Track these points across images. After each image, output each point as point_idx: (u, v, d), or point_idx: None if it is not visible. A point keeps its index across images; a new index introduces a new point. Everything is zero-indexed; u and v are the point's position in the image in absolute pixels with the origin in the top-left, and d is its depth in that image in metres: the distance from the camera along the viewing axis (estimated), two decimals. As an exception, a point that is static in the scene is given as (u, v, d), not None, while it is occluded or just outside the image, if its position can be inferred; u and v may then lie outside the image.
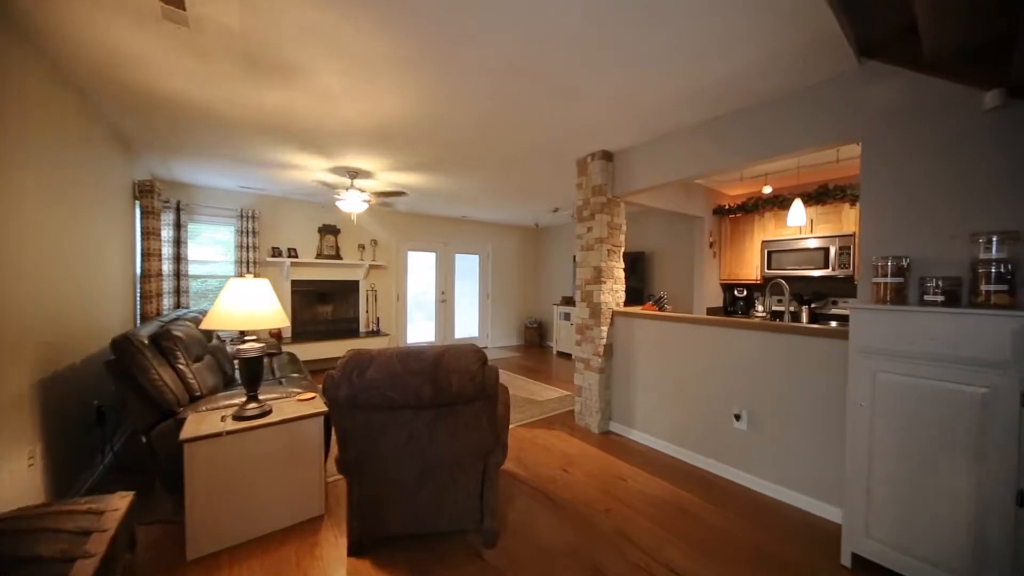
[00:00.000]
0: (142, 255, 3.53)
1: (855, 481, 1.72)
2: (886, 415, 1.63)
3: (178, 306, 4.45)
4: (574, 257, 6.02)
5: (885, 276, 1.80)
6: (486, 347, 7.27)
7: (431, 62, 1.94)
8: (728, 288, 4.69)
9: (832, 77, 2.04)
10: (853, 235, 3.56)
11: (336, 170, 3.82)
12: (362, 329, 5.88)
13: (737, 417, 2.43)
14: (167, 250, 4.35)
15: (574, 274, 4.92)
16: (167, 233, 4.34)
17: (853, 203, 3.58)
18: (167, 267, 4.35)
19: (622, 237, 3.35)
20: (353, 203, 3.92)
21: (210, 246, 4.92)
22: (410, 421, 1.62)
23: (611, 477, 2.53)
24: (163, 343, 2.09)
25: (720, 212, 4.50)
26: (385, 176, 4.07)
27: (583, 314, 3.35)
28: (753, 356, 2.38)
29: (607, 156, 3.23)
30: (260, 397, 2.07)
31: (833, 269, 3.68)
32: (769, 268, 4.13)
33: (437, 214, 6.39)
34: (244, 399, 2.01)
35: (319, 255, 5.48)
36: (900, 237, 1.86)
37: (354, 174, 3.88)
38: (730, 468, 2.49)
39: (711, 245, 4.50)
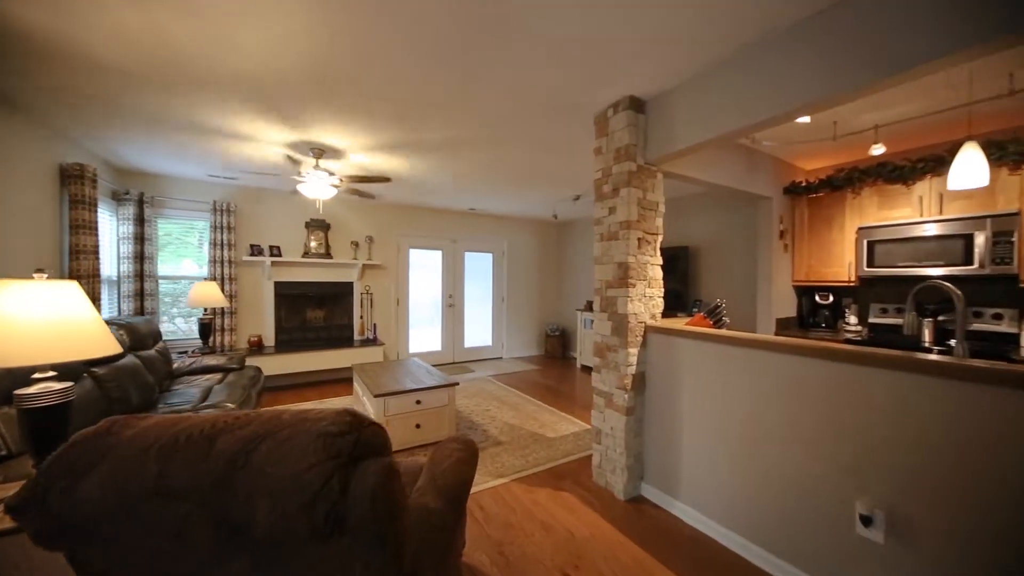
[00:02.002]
0: (69, 253, 2.97)
1: None
2: None
3: (141, 311, 3.94)
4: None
5: None
6: (500, 357, 6.41)
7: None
8: (806, 292, 3.54)
9: None
10: (1018, 214, 2.37)
11: (296, 146, 3.11)
12: (356, 337, 5.20)
13: (866, 521, 1.41)
14: (127, 248, 3.85)
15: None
16: (127, 228, 3.84)
17: (1016, 167, 2.39)
18: (127, 267, 3.85)
19: (659, 221, 2.38)
20: (318, 187, 3.20)
21: (183, 244, 4.40)
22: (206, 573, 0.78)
23: (641, 597, 1.58)
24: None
25: (795, 191, 3.37)
26: (360, 159, 3.32)
27: (604, 329, 2.40)
28: (910, 416, 1.35)
29: (636, 105, 2.27)
30: (70, 467, 1.32)
31: (981, 265, 2.49)
32: (870, 265, 2.97)
33: (440, 206, 5.61)
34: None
35: (306, 253, 4.85)
36: None
37: (319, 152, 3.16)
38: (848, 601, 1.46)
39: (781, 235, 3.39)
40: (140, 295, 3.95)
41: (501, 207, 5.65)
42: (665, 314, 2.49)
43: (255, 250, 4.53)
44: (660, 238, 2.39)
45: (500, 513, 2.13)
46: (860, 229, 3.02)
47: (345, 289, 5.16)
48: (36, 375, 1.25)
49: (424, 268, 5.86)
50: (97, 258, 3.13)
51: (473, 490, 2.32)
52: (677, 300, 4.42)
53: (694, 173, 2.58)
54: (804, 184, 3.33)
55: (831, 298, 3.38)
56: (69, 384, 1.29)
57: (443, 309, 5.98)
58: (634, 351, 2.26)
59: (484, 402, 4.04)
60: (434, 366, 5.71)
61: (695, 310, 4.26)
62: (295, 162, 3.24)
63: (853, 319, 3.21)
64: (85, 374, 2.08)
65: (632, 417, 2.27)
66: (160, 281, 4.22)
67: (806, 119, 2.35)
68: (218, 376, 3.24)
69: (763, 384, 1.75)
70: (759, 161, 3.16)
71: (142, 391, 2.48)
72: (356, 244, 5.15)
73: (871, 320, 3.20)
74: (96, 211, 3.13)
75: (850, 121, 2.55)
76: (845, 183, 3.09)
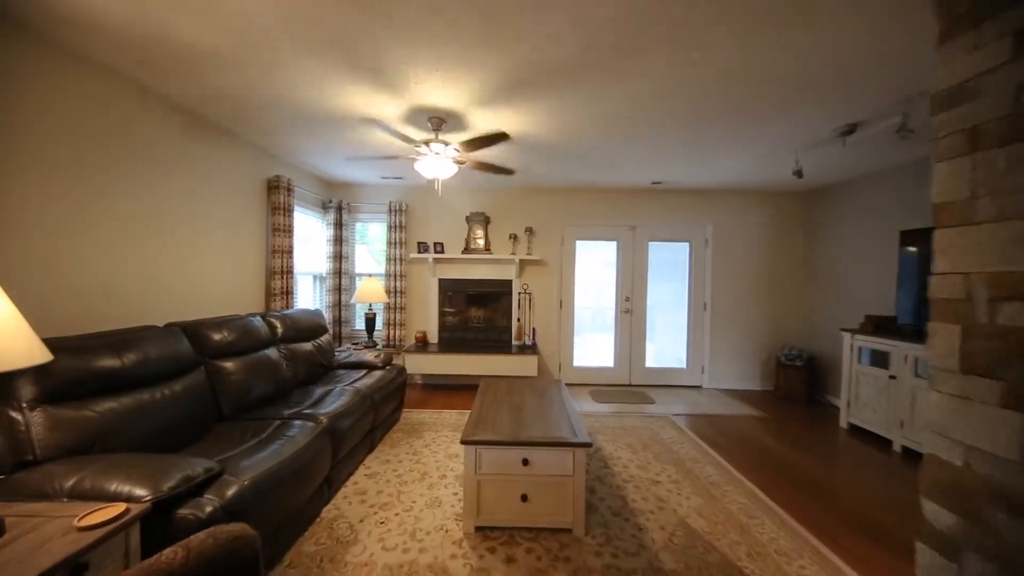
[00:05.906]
0: (269, 252, 3.47)
1: None
2: None
3: (338, 304, 4.51)
4: (901, 235, 3.19)
5: None
6: (698, 387, 4.63)
7: None
8: None
9: None
10: None
11: (411, 117, 2.65)
12: (514, 342, 4.64)
13: None
14: (330, 248, 4.45)
15: (900, 269, 2.22)
16: (330, 232, 4.44)
17: None
18: (329, 265, 4.45)
19: None
20: (436, 163, 2.66)
21: (371, 244, 4.87)
22: None
23: None
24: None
25: None
26: (478, 120, 2.60)
27: (954, 417, 0.78)
28: None
29: None
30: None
31: None
32: None
33: (612, 184, 4.35)
34: None
35: (466, 249, 4.62)
36: None
37: (437, 122, 2.61)
38: None
39: None
40: (338, 289, 4.52)
41: (700, 175, 3.93)
42: None
43: (421, 247, 4.56)
44: None
45: None
46: None
47: (504, 288, 4.68)
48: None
49: (593, 263, 4.78)
50: (291, 256, 3.57)
51: None
52: None
53: None
54: None
55: None
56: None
57: (617, 315, 4.74)
58: None
59: (654, 463, 2.65)
60: (602, 388, 4.56)
61: None
62: (413, 136, 2.82)
63: None
64: (202, 366, 2.11)
65: None
66: (356, 277, 4.78)
67: None
68: (360, 373, 3.18)
69: None
70: None
71: (271, 384, 2.48)
72: (515, 237, 4.59)
73: None
74: (291, 216, 3.57)
75: None
76: None
